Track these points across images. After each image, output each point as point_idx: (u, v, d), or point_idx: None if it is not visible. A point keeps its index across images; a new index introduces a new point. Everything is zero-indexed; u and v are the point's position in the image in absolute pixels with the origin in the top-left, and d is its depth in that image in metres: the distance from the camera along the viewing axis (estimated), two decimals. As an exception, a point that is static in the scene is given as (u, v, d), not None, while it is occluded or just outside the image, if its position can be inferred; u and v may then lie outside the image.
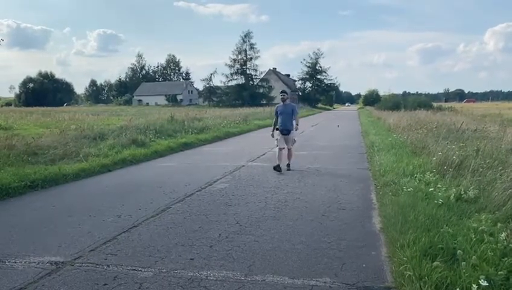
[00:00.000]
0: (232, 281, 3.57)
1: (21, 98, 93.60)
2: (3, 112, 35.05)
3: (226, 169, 9.30)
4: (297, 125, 9.36)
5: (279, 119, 9.29)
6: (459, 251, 3.55)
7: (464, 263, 3.37)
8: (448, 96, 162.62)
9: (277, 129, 9.32)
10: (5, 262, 4.00)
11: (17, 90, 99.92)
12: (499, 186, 5.59)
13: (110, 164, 9.65)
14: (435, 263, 3.37)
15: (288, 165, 9.30)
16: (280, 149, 9.25)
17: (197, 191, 7.10)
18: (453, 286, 3.02)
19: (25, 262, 4.00)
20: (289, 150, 9.38)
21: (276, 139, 9.35)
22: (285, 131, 9.21)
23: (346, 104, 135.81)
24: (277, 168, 8.94)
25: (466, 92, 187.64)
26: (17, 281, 3.56)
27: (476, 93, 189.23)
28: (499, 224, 4.30)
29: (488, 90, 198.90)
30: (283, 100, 9.35)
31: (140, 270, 3.79)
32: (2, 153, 9.20)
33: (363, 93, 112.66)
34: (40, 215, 5.77)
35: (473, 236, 3.99)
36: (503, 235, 3.91)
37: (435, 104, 46.17)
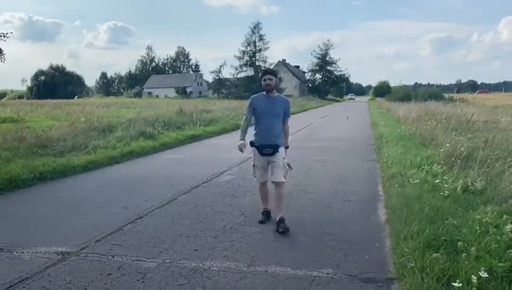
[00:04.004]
0: (234, 272, 3.60)
1: (33, 90, 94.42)
2: (15, 104, 35.43)
3: (233, 161, 9.32)
4: (287, 135, 5.13)
5: (258, 124, 4.88)
6: (459, 242, 3.53)
7: (464, 254, 3.35)
8: (460, 87, 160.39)
9: (252, 145, 4.91)
10: (12, 252, 4.08)
11: (29, 83, 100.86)
12: (507, 178, 5.53)
13: (118, 156, 9.72)
14: (434, 255, 3.36)
15: (281, 220, 4.65)
16: (262, 184, 5.05)
17: (203, 183, 7.14)
18: (455, 278, 3.00)
19: (32, 252, 4.07)
20: (278, 187, 4.80)
21: (253, 165, 5.02)
22: (269, 148, 4.75)
23: (349, 96, 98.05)
24: (263, 217, 4.99)
25: (479, 83, 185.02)
26: (24, 271, 3.62)
27: (489, 84, 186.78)
28: (504, 216, 4.25)
29: (502, 81, 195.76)
30: (267, 89, 4.81)
31: (145, 261, 3.84)
32: (12, 145, 9.34)
33: (373, 84, 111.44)
34: (48, 207, 5.86)
35: (478, 228, 3.96)
36: (509, 227, 3.87)
37: (446, 96, 45.58)
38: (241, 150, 4.92)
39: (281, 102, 4.92)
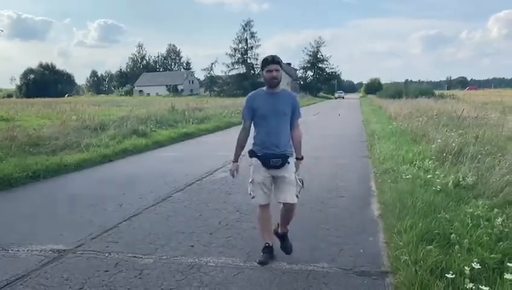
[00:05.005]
0: (231, 267, 3.63)
1: (22, 89, 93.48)
2: (4, 103, 35.11)
3: (227, 158, 9.29)
4: (299, 144, 3.86)
5: (260, 129, 3.74)
6: (452, 235, 3.61)
7: (458, 246, 3.42)
8: (450, 84, 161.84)
9: (252, 155, 3.80)
10: (8, 250, 4.07)
11: (18, 82, 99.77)
12: (497, 173, 5.63)
13: (111, 154, 9.69)
14: (428, 247, 3.43)
15: (283, 235, 3.95)
16: (263, 208, 3.82)
17: (197, 180, 7.16)
18: (448, 270, 3.06)
19: (28, 250, 4.06)
20: (288, 210, 3.80)
21: (251, 182, 3.82)
22: (276, 159, 3.66)
23: (338, 94, 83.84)
24: (265, 255, 3.75)
25: (468, 79, 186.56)
26: (20, 269, 3.62)
27: (479, 80, 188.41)
28: (495, 209, 4.35)
29: (491, 78, 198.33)
30: (273, 83, 3.64)
31: (141, 257, 3.86)
32: (4, 144, 9.26)
33: (365, 82, 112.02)
34: (42, 205, 5.84)
35: (470, 221, 4.04)
36: (499, 220, 3.96)
37: (436, 92, 46.01)
38: (232, 175, 3.87)
39: (287, 99, 3.75)
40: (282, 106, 3.69)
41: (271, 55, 3.63)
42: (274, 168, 3.67)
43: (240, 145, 3.84)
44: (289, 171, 3.69)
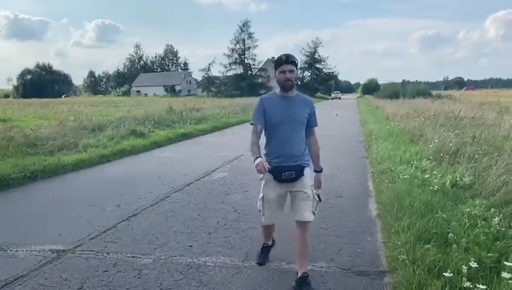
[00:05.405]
0: (229, 267, 3.64)
1: (19, 89, 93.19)
2: (1, 103, 35.00)
3: (225, 159, 9.34)
4: (317, 153, 3.50)
5: (272, 138, 3.31)
6: (450, 234, 3.63)
7: (455, 246, 3.45)
8: (447, 84, 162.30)
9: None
10: (6, 251, 4.07)
11: (15, 82, 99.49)
12: (494, 173, 5.66)
13: (109, 155, 9.68)
14: (426, 246, 3.45)
15: (305, 276, 3.24)
16: (267, 228, 3.70)
17: (195, 181, 7.16)
18: (445, 269, 3.09)
19: (27, 250, 4.07)
20: (302, 228, 3.32)
21: (261, 199, 3.39)
22: (290, 170, 3.24)
23: (334, 94, 77.57)
24: (263, 255, 3.79)
25: (465, 79, 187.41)
26: (19, 269, 3.63)
27: (476, 80, 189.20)
28: (492, 209, 4.38)
29: (488, 78, 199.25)
30: (285, 86, 3.22)
31: (140, 257, 3.86)
32: (1, 144, 9.23)
33: (362, 82, 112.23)
34: (40, 206, 5.84)
35: (467, 221, 4.07)
36: (496, 220, 4.00)
37: (434, 93, 46.18)
38: (261, 171, 3.04)
39: (303, 104, 3.33)
40: (297, 112, 3.26)
41: (285, 54, 3.20)
42: (287, 182, 3.25)
43: (253, 144, 3.19)
44: (305, 184, 3.26)
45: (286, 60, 3.17)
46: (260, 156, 3.10)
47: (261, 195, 3.37)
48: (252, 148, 3.19)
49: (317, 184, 3.42)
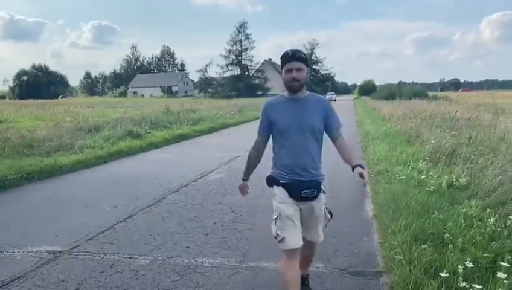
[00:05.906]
0: (227, 267, 3.65)
1: (15, 91, 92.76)
2: (-3, 105, 34.79)
3: (222, 160, 9.34)
4: (350, 152, 3.06)
5: (282, 147, 2.78)
6: (446, 234, 3.65)
7: (451, 246, 3.47)
8: (443, 85, 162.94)
9: (273, 183, 2.85)
10: (3, 252, 4.06)
11: (11, 83, 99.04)
12: (490, 173, 5.69)
13: (105, 156, 9.67)
14: (422, 247, 3.47)
15: (304, 277, 3.19)
16: (292, 254, 2.65)
17: (192, 182, 7.16)
18: (441, 269, 3.10)
19: (23, 251, 4.06)
20: (311, 247, 3.01)
21: (275, 218, 2.70)
22: (310, 189, 2.71)
23: (329, 95, 62.00)
24: None
25: (461, 81, 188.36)
26: (16, 270, 3.62)
27: (472, 82, 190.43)
28: (488, 210, 4.41)
29: (484, 79, 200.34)
30: (292, 87, 2.67)
31: (137, 258, 3.86)
32: (-3, 145, 9.20)
33: (359, 83, 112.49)
34: (37, 207, 5.82)
35: (463, 221, 4.09)
36: (492, 220, 4.02)
37: (430, 94, 46.32)
38: (242, 193, 3.19)
39: (316, 105, 2.77)
40: (309, 116, 2.72)
41: (291, 50, 2.68)
42: (304, 199, 2.72)
43: (252, 164, 3.03)
44: (320, 202, 2.80)
45: (293, 56, 2.64)
46: (245, 179, 3.12)
47: (275, 215, 2.71)
48: (246, 166, 3.07)
49: (363, 179, 2.55)
